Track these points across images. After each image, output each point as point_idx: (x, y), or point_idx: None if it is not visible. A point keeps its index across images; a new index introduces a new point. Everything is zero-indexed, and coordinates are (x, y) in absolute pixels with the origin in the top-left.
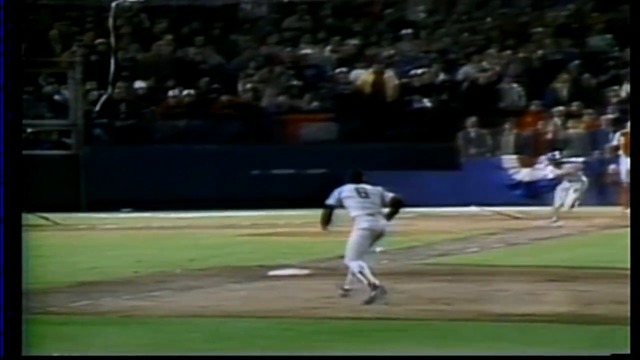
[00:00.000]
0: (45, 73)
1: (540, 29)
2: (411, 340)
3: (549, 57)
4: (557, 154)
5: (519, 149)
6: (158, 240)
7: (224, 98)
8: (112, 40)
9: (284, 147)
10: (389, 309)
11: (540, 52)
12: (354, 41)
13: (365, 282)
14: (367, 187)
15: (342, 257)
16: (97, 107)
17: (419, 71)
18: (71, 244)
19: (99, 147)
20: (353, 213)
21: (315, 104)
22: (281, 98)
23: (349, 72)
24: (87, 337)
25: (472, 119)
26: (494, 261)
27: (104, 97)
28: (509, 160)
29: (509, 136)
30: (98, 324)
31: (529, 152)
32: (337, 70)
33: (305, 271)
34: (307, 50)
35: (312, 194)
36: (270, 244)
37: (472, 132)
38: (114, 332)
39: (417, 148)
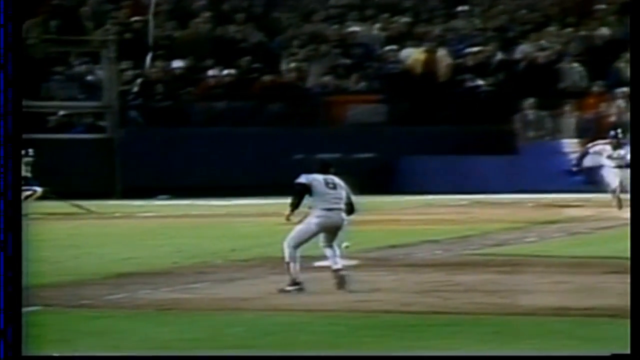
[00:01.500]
0: (77, 52)
1: (603, 6)
2: (464, 335)
3: (612, 35)
4: (619, 132)
5: (580, 133)
6: (197, 229)
7: (266, 78)
8: (149, 17)
9: (329, 130)
10: (441, 303)
11: (603, 30)
12: (404, 18)
13: (291, 275)
14: (336, 179)
15: (392, 246)
16: (133, 88)
17: (474, 50)
18: (106, 234)
19: (134, 130)
20: (313, 202)
21: (362, 84)
22: (326, 78)
23: (398, 50)
24: (123, 332)
25: (530, 101)
26: (553, 251)
27: (139, 78)
28: (570, 144)
29: (570, 119)
30: (135, 318)
31: (590, 135)
32: (386, 48)
33: (353, 262)
34: (355, 28)
35: (360, 179)
36: None
37: (530, 114)
38: (151, 326)
39: (471, 131)
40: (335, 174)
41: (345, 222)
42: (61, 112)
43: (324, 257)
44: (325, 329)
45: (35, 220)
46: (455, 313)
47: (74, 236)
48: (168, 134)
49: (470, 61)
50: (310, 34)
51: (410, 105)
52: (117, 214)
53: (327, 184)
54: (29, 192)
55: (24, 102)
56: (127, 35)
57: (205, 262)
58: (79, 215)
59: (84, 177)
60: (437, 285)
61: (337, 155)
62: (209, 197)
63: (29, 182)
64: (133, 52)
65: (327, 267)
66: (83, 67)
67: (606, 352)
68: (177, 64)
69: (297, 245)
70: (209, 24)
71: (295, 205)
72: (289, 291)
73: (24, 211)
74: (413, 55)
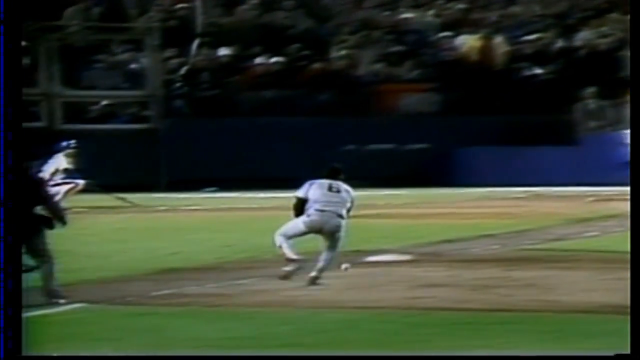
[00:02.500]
0: (120, 40)
1: None
2: (522, 334)
3: None
4: None
5: None
6: (245, 223)
7: (315, 66)
8: (195, 3)
9: (380, 120)
10: (498, 300)
11: None
12: (460, 4)
13: (287, 256)
14: (342, 185)
15: (447, 241)
16: (177, 77)
17: (532, 37)
18: (151, 228)
19: (179, 120)
20: (309, 202)
21: (415, 72)
22: (378, 66)
23: (453, 37)
24: (169, 329)
25: (590, 90)
26: (616, 247)
27: (184, 66)
28: None
29: None
30: (181, 315)
31: None
32: (441, 35)
33: (406, 257)
34: (408, 14)
35: (413, 172)
36: (367, 227)
37: (591, 104)
38: (198, 324)
39: (529, 121)
40: (344, 180)
41: (342, 228)
42: (103, 102)
43: (375, 252)
44: (377, 326)
45: (78, 214)
46: (512, 310)
47: (118, 230)
48: (214, 124)
49: (528, 49)
50: (361, 20)
51: (466, 94)
52: (162, 208)
53: (330, 188)
54: (71, 185)
55: (67, 92)
56: (172, 23)
57: (253, 257)
58: (123, 208)
59: (127, 169)
60: (494, 282)
61: (389, 146)
62: (257, 190)
63: (71, 174)
64: (178, 39)
65: (379, 262)
66: (126, 55)
67: (608, 352)
68: (224, 51)
69: (287, 236)
70: (256, 11)
71: (296, 216)
72: (287, 271)
73: (66, 204)
74: (468, 42)
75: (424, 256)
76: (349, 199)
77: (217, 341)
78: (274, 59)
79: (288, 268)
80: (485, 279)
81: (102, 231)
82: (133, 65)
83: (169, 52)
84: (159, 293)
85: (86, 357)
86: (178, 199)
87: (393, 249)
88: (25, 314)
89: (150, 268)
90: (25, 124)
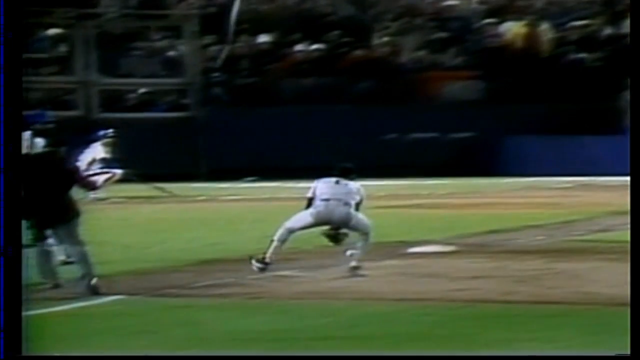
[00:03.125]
0: (158, 27)
1: None
2: (569, 327)
3: None
4: None
5: None
6: (285, 213)
7: (357, 53)
8: None
9: (423, 108)
10: (544, 292)
11: None
12: None
13: (268, 252)
14: (351, 183)
15: (492, 232)
16: (216, 64)
17: (579, 23)
18: (190, 218)
19: (218, 108)
20: (316, 197)
21: (459, 59)
22: (421, 53)
23: (498, 24)
24: (209, 322)
25: None
26: None
27: (223, 53)
28: None
29: None
30: (221, 307)
31: None
32: (485, 22)
33: (451, 248)
34: (451, 1)
35: (457, 161)
36: (410, 217)
37: None
38: (238, 316)
39: (576, 110)
40: (355, 179)
41: (355, 215)
42: (141, 90)
43: (418, 243)
44: (420, 319)
45: (117, 204)
46: (559, 303)
47: (156, 221)
48: (254, 112)
49: (574, 35)
50: (404, 7)
51: (511, 81)
52: (201, 198)
53: (337, 182)
54: (108, 175)
55: (104, 80)
56: (211, 9)
57: (294, 248)
58: (162, 198)
59: (165, 158)
60: (540, 273)
61: (432, 134)
62: (298, 179)
63: (108, 164)
64: (217, 26)
65: (422, 253)
66: (164, 43)
67: (608, 352)
68: (263, 38)
69: (292, 230)
70: None
71: None
72: (254, 266)
73: (103, 194)
74: (513, 29)
75: (469, 247)
76: (357, 194)
77: (257, 334)
78: (314, 46)
79: (257, 266)
80: (531, 271)
81: (141, 222)
82: (171, 53)
83: (207, 39)
84: (198, 285)
85: (86, 357)
86: (217, 188)
87: (436, 240)
88: (65, 307)
89: (189, 259)
90: (61, 113)
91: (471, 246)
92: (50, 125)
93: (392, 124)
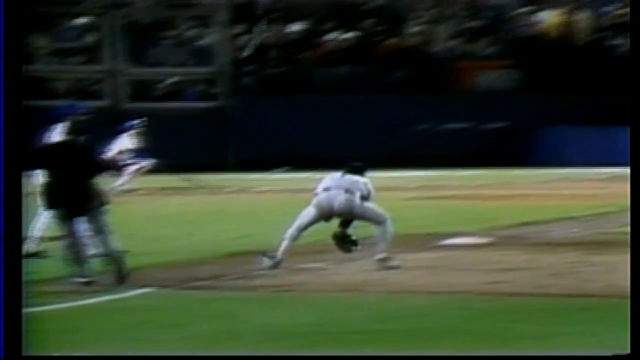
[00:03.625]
0: (187, 16)
1: None
2: (604, 321)
3: None
4: None
5: None
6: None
7: (389, 42)
8: None
9: (457, 98)
10: (579, 285)
11: None
12: None
13: (280, 250)
14: (362, 180)
15: (525, 224)
16: (246, 53)
17: (619, 12)
18: (219, 209)
19: (248, 98)
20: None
21: (493, 48)
22: (454, 42)
23: (533, 13)
24: (239, 315)
25: None
26: None
27: (253, 42)
28: None
29: None
30: (251, 300)
31: None
32: (520, 10)
33: (484, 240)
34: None
35: (490, 151)
36: (442, 208)
37: None
38: (268, 310)
39: (614, 100)
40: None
41: (358, 203)
42: (170, 80)
43: (451, 235)
44: (454, 312)
45: (145, 196)
46: (594, 296)
47: (186, 212)
48: (284, 102)
49: (612, 24)
50: None
51: (545, 71)
52: (230, 189)
53: (342, 176)
54: (137, 166)
55: (133, 69)
56: None
57: (324, 240)
58: (191, 189)
59: (195, 148)
60: (574, 266)
61: (465, 124)
62: (328, 170)
63: (137, 154)
64: (246, 15)
65: (455, 246)
66: (194, 32)
67: (607, 352)
68: (294, 27)
69: (300, 227)
70: None
71: None
72: (263, 266)
73: (132, 186)
74: (548, 18)
75: (502, 239)
76: (364, 187)
77: (287, 327)
78: (346, 35)
79: (268, 262)
80: (566, 264)
81: (169, 213)
82: (201, 42)
83: (237, 29)
84: (227, 278)
85: (86, 357)
86: (247, 179)
87: (470, 232)
88: (94, 300)
89: (218, 252)
90: (90, 103)
91: (504, 238)
92: (85, 117)
93: (425, 113)
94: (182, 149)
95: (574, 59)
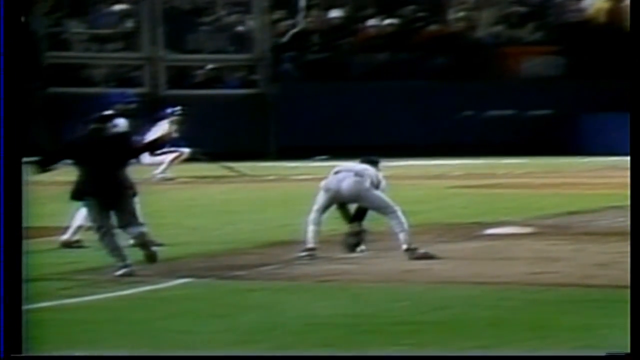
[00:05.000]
0: (227, 1)
1: None
2: None
3: None
4: None
5: None
6: None
7: (432, 28)
8: None
9: (501, 84)
10: (627, 276)
11: None
12: None
13: (308, 238)
14: (379, 174)
15: (571, 213)
16: (286, 39)
17: None
18: (259, 198)
19: (288, 84)
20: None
21: (538, 34)
22: (498, 28)
23: None
24: (280, 306)
25: None
26: None
27: (294, 28)
28: None
29: None
30: (292, 291)
31: None
32: None
33: (529, 229)
34: None
35: (535, 139)
36: (486, 197)
37: None
38: (310, 300)
39: None
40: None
41: (367, 187)
42: (210, 66)
43: (495, 225)
44: (497, 303)
45: (185, 185)
46: None
47: (225, 201)
48: (325, 88)
49: None
50: None
51: (592, 57)
52: (271, 177)
53: (353, 164)
54: (175, 154)
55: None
56: None
57: (366, 229)
58: (230, 178)
59: (234, 136)
60: (622, 257)
61: (510, 112)
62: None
63: (176, 142)
64: (287, 0)
65: (499, 235)
66: (233, 17)
67: (606, 352)
68: (335, 13)
69: (318, 210)
70: None
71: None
72: (298, 257)
73: (170, 174)
74: (596, 3)
75: (547, 229)
76: (374, 175)
77: (329, 318)
78: (388, 21)
79: (303, 254)
80: (612, 254)
81: (209, 202)
82: (240, 28)
83: (277, 14)
84: (269, 268)
85: (86, 357)
86: (288, 167)
87: (514, 221)
88: (133, 290)
89: (259, 241)
90: (128, 90)
91: (550, 228)
92: (133, 106)
93: (468, 100)
94: (221, 136)
95: (621, 45)
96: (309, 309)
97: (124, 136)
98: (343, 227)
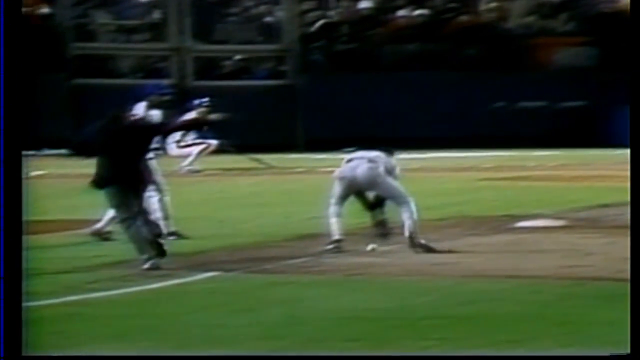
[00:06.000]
0: None
1: None
2: None
3: None
4: None
5: None
6: None
7: (463, 18)
8: None
9: (533, 76)
10: None
11: None
12: None
13: (332, 230)
14: (392, 160)
15: (604, 205)
16: (315, 30)
17: None
18: (288, 191)
19: (317, 75)
20: None
21: (571, 25)
22: (530, 18)
23: None
24: (308, 300)
25: None
26: None
27: (323, 19)
28: None
29: None
30: (320, 284)
31: None
32: None
33: (561, 222)
34: None
35: (568, 131)
36: (518, 190)
37: None
38: (338, 294)
39: None
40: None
41: (381, 174)
42: (237, 57)
43: (526, 217)
44: (528, 297)
45: (212, 177)
46: None
47: (253, 194)
48: (354, 79)
49: None
50: None
51: (626, 48)
52: (299, 169)
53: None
54: (203, 146)
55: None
56: None
57: (395, 222)
58: (258, 170)
59: (262, 128)
60: None
61: (542, 103)
62: (400, 150)
63: (203, 134)
64: None
65: (530, 228)
66: (261, 8)
67: (606, 352)
68: (365, 3)
69: (336, 203)
70: None
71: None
72: (326, 250)
73: (198, 166)
74: None
75: (579, 222)
76: (387, 161)
77: (357, 312)
78: (418, 11)
79: (329, 247)
80: None
81: (236, 195)
82: (269, 18)
83: (306, 5)
84: (297, 261)
85: (86, 357)
86: (316, 159)
87: (546, 214)
88: (160, 284)
89: (287, 234)
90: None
91: (582, 221)
92: (167, 97)
93: (499, 92)
94: (249, 128)
95: None
96: (336, 303)
97: (143, 122)
98: (369, 219)
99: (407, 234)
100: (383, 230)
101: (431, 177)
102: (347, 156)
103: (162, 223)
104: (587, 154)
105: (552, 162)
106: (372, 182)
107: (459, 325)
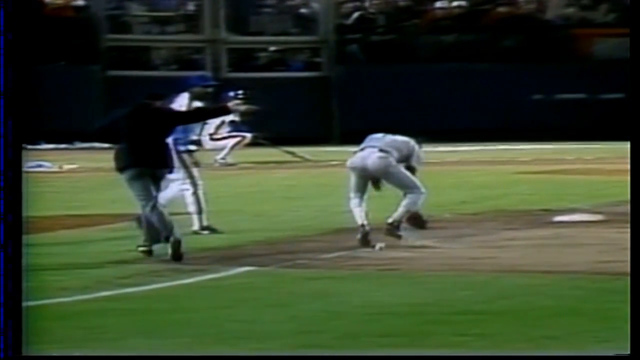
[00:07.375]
0: None
1: None
2: None
3: None
4: None
5: None
6: (424, 179)
7: (501, 9)
8: None
9: (572, 67)
10: None
11: None
12: None
13: (359, 220)
14: (412, 142)
15: None
16: (351, 21)
17: None
18: (322, 184)
19: (353, 67)
20: None
21: (611, 16)
22: (570, 9)
23: None
24: (342, 294)
25: None
26: None
27: (359, 10)
28: None
29: None
30: (354, 279)
31: None
32: None
33: (599, 217)
34: None
35: (607, 124)
36: (556, 183)
37: None
38: (372, 288)
39: None
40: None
41: (391, 163)
42: (272, 48)
43: (564, 212)
44: (566, 292)
45: (246, 170)
46: None
47: (288, 187)
48: (390, 71)
49: None
50: None
51: None
52: (334, 162)
53: (383, 135)
54: (237, 139)
55: (233, 38)
56: None
57: (431, 216)
58: (293, 163)
59: (297, 120)
60: None
61: (581, 95)
62: (438, 143)
63: (238, 127)
64: None
65: (568, 222)
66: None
67: (606, 352)
68: None
69: (355, 194)
70: None
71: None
72: (359, 238)
73: (232, 160)
74: None
75: (618, 216)
76: (403, 145)
77: (392, 307)
78: (456, 2)
79: (359, 237)
80: None
81: (271, 188)
82: (304, 10)
83: None
84: (331, 255)
85: (86, 357)
86: (352, 152)
87: (583, 208)
88: (192, 279)
89: (322, 228)
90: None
91: (620, 215)
92: (210, 90)
93: (538, 84)
94: (285, 120)
95: None
96: (371, 298)
97: (166, 109)
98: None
99: (390, 220)
100: (417, 223)
101: (467, 170)
102: (362, 144)
103: (195, 217)
104: (626, 147)
105: (589, 155)
106: (383, 172)
107: (495, 321)
